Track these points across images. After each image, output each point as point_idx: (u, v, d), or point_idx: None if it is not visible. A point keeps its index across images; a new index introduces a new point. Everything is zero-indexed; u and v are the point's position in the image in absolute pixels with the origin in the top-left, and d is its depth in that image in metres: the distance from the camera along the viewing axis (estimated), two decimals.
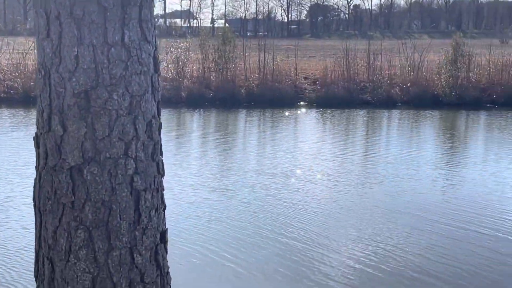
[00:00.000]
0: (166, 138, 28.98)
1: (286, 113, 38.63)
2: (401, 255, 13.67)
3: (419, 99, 41.29)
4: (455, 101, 41.00)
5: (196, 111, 39.18)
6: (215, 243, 14.36)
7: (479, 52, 45.57)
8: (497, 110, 39.14)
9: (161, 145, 3.44)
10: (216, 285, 12.18)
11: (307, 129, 33.38)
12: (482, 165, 23.19)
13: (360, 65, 45.33)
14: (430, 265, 13.10)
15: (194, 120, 37.35)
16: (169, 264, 3.45)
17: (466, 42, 44.62)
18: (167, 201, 3.47)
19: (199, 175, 21.11)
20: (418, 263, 13.21)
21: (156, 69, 3.34)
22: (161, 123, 3.42)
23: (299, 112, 39.84)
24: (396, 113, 39.28)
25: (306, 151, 26.19)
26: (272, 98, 41.29)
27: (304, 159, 24.33)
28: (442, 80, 42.29)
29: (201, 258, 13.44)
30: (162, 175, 3.39)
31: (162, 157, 3.40)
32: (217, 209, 17.14)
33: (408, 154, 25.97)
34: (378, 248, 14.06)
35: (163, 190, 3.46)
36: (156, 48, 3.33)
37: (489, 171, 21.99)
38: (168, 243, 3.43)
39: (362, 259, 13.41)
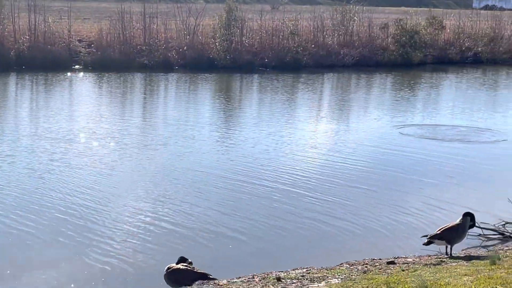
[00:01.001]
0: None
1: (62, 77, 37.27)
2: (196, 212, 13.98)
3: (195, 63, 41.97)
4: (230, 64, 42.22)
5: None
6: None
7: (252, 17, 47.23)
8: (268, 73, 40.96)
9: None
10: (2, 253, 11.59)
11: (86, 93, 32.49)
12: (261, 125, 24.26)
13: (136, 28, 44.90)
14: (226, 220, 13.55)
15: None
16: None
17: (239, 7, 45.98)
18: None
19: None
20: (214, 218, 13.61)
21: None
22: None
23: (75, 76, 38.59)
24: (173, 76, 39.60)
25: (87, 115, 25.52)
26: (45, 62, 39.46)
27: (86, 123, 23.72)
28: (217, 44, 43.25)
29: None
30: None
31: None
32: None
33: (189, 116, 26.39)
34: (173, 207, 14.26)
35: None
36: None
37: (267, 131, 23.08)
38: None
39: (158, 219, 13.52)
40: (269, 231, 13.00)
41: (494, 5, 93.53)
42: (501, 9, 79.00)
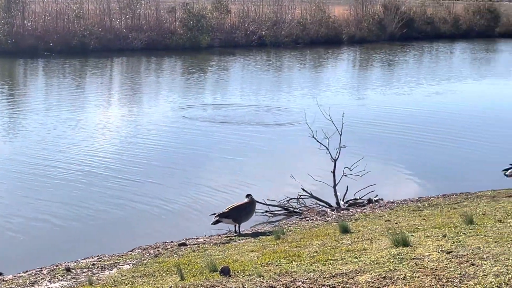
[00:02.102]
0: None
1: None
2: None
3: None
4: (12, 49, 40.12)
5: None
6: None
7: (33, 0, 45.19)
8: (54, 58, 39.48)
9: None
10: None
11: None
12: (53, 111, 23.60)
13: None
14: (18, 209, 13.06)
15: None
16: None
17: None
18: None
19: None
20: (3, 209, 12.98)
21: None
22: None
23: None
24: None
25: None
26: None
27: None
28: None
29: None
30: None
31: None
32: None
33: None
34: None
35: None
36: None
37: (60, 116, 22.56)
38: None
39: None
40: (61, 220, 12.66)
41: None
42: None
